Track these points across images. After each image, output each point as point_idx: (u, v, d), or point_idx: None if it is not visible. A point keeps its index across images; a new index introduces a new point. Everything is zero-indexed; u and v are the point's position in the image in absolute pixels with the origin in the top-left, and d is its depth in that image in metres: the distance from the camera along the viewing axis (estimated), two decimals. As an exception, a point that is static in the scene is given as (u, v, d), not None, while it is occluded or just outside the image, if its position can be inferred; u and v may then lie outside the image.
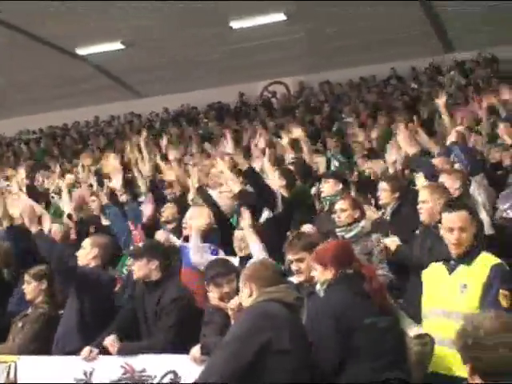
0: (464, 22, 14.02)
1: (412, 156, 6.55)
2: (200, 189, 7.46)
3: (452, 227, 4.15)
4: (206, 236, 6.16)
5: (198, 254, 5.82)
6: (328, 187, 6.80)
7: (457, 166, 6.81)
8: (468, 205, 4.67)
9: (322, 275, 4.21)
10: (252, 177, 6.83)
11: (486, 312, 2.89)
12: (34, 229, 5.99)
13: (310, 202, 7.25)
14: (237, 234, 5.96)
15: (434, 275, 4.26)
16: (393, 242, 5.47)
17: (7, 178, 11.78)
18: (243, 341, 3.63)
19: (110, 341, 5.03)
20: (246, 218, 5.80)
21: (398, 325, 4.14)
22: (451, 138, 7.34)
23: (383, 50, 15.87)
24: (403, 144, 6.72)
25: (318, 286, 4.27)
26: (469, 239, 4.15)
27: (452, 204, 4.50)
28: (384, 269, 5.43)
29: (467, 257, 4.12)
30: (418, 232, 5.39)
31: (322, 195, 6.90)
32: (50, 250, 5.65)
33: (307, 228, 6.03)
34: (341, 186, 6.77)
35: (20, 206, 7.52)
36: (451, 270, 4.14)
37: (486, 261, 4.07)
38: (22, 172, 9.88)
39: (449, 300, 3.99)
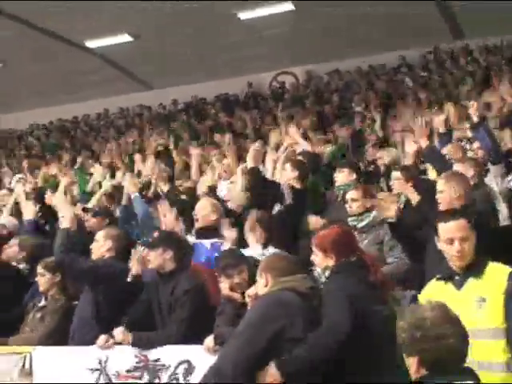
0: (474, 9, 13.92)
1: (425, 149, 6.36)
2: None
3: (452, 238, 3.78)
4: (216, 228, 6.21)
5: None
6: (342, 176, 6.80)
7: (470, 153, 6.77)
8: (467, 211, 4.42)
9: (322, 261, 4.26)
10: (255, 176, 6.86)
11: (426, 304, 2.87)
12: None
13: (322, 193, 7.25)
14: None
15: (437, 294, 3.66)
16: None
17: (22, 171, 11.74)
18: (257, 328, 3.72)
19: (120, 332, 5.08)
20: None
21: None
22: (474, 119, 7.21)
23: (392, 38, 15.81)
24: (417, 134, 6.64)
25: (318, 271, 4.30)
26: (471, 249, 3.77)
27: (449, 212, 4.25)
28: (394, 256, 5.44)
29: (474, 269, 3.74)
30: None
31: (336, 184, 6.89)
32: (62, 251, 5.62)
33: (313, 218, 6.05)
34: (355, 175, 6.77)
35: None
36: (459, 286, 3.74)
37: (498, 270, 3.72)
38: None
39: (464, 317, 3.17)
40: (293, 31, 15.69)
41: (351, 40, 15.96)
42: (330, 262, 4.20)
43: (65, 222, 5.86)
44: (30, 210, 7.77)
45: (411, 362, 2.76)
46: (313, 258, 4.39)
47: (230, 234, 6.05)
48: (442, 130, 7.28)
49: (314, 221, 6.16)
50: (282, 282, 3.99)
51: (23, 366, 5.40)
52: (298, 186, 6.81)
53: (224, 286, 4.84)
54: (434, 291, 3.82)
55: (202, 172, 9.25)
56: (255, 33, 15.65)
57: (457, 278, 3.78)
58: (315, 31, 15.62)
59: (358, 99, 13.99)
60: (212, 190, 7.40)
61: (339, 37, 15.90)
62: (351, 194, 5.87)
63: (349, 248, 4.27)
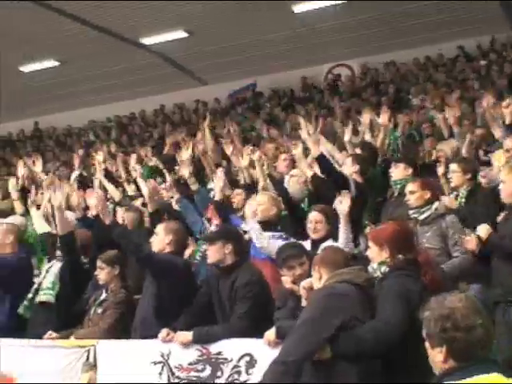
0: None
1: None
2: (269, 176, 7.49)
3: None
4: (275, 223, 6.20)
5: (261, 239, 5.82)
6: (398, 171, 6.65)
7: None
8: None
9: (377, 255, 4.25)
10: (324, 163, 6.80)
11: (453, 295, 2.87)
12: (107, 219, 6.09)
13: (383, 187, 7.16)
14: (310, 216, 5.88)
15: None
16: (485, 229, 5.05)
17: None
18: (318, 322, 3.76)
19: (179, 335, 5.10)
20: (345, 202, 5.65)
21: None
22: None
23: (448, 28, 15.56)
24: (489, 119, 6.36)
25: (374, 266, 4.26)
26: None
27: None
28: (459, 250, 5.34)
29: None
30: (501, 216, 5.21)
31: (392, 179, 6.75)
32: (127, 238, 5.69)
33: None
34: (411, 170, 6.59)
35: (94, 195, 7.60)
36: None
37: None
38: (100, 157, 9.93)
39: None
40: (346, 23, 15.57)
41: (406, 31, 15.74)
42: (385, 257, 4.17)
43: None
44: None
45: (437, 354, 2.76)
46: (368, 252, 4.36)
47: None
48: (508, 121, 7.09)
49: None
50: (339, 275, 4.02)
51: (87, 359, 5.48)
52: (358, 179, 6.76)
53: (286, 278, 4.83)
54: None
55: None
56: (309, 25, 15.58)
57: None
58: (369, 23, 15.48)
59: (416, 90, 13.79)
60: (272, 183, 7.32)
61: (394, 28, 15.73)
62: (409, 187, 5.77)
63: (405, 245, 4.24)
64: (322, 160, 6.82)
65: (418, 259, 4.20)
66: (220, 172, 7.34)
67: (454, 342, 2.71)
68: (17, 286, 6.42)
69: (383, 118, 8.21)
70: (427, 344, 2.83)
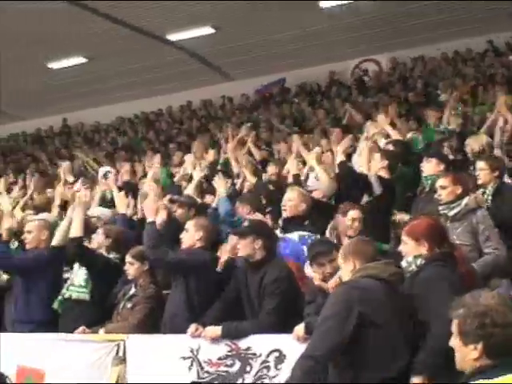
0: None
1: None
2: (295, 176, 7.52)
3: None
4: (303, 219, 6.19)
5: None
6: (429, 167, 6.55)
7: None
8: None
9: (414, 249, 4.22)
10: (344, 170, 6.80)
11: (485, 293, 2.90)
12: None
13: (412, 183, 7.11)
14: (352, 213, 5.85)
15: None
16: None
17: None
18: (341, 316, 3.76)
19: (208, 330, 5.12)
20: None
21: None
22: None
23: (476, 23, 15.39)
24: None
25: (409, 259, 4.23)
26: None
27: None
28: (491, 247, 5.29)
29: None
30: None
31: (423, 174, 6.67)
32: (154, 245, 5.69)
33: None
34: (443, 166, 6.49)
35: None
36: None
37: None
38: (157, 161, 10.00)
39: None
40: (374, 18, 15.46)
41: (434, 25, 15.61)
42: (423, 251, 4.16)
43: (149, 214, 5.94)
44: (122, 203, 7.92)
45: (470, 351, 2.75)
46: (402, 247, 4.34)
47: None
48: None
49: (400, 217, 6.05)
50: (363, 269, 4.00)
51: (117, 353, 5.52)
52: (386, 175, 6.72)
53: (316, 275, 4.82)
54: None
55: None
56: (336, 20, 15.51)
57: None
58: (397, 17, 15.37)
59: (444, 85, 13.66)
60: (298, 180, 7.34)
61: (422, 22, 15.59)
62: (440, 181, 5.72)
63: (441, 238, 4.25)
64: (342, 168, 6.82)
65: (455, 253, 4.21)
66: None
67: (491, 338, 2.71)
68: (51, 281, 6.51)
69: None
70: (457, 341, 2.82)
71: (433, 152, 7.39)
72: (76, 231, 6.29)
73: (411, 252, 4.25)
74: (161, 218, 6.07)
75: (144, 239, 5.77)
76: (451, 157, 7.50)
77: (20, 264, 6.65)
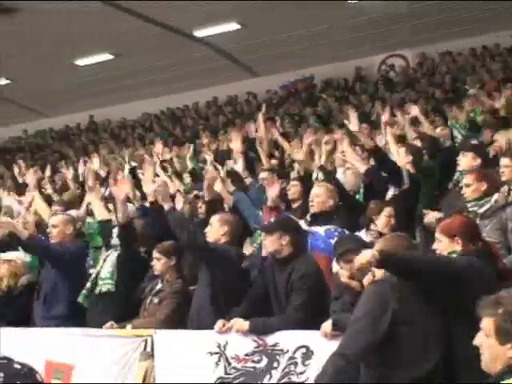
0: None
1: None
2: (322, 167, 7.44)
3: None
4: (331, 214, 6.16)
5: None
6: (465, 161, 6.39)
7: None
8: None
9: (448, 247, 4.15)
10: (378, 155, 6.73)
11: None
12: (166, 206, 6.14)
13: (437, 179, 7.04)
14: (388, 210, 5.78)
15: None
16: None
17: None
18: (374, 314, 3.72)
19: (235, 322, 5.10)
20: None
21: None
22: None
23: (506, 17, 15.21)
24: None
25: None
26: None
27: None
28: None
29: None
30: None
31: (459, 168, 6.55)
32: (183, 226, 5.66)
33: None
34: (479, 160, 6.31)
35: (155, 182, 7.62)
36: None
37: None
38: (158, 147, 10.02)
39: None
40: (402, 14, 15.38)
41: (462, 20, 15.47)
42: (457, 248, 4.11)
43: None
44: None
45: (507, 350, 2.70)
46: (435, 245, 4.29)
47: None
48: None
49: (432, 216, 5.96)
50: None
51: (144, 348, 5.54)
52: (411, 170, 6.67)
53: (343, 272, 4.78)
54: None
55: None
56: (363, 16, 15.43)
57: None
58: (424, 12, 15.25)
59: (472, 80, 13.52)
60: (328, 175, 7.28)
61: (450, 17, 15.46)
62: (465, 179, 5.66)
63: (474, 235, 4.20)
64: (376, 152, 6.75)
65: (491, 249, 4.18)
66: (277, 182, 7.12)
67: None
68: (75, 274, 6.55)
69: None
70: (490, 340, 2.76)
71: (470, 146, 7.21)
72: (121, 219, 6.38)
73: (445, 249, 4.19)
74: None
75: (172, 226, 5.79)
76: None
77: (61, 253, 6.53)
